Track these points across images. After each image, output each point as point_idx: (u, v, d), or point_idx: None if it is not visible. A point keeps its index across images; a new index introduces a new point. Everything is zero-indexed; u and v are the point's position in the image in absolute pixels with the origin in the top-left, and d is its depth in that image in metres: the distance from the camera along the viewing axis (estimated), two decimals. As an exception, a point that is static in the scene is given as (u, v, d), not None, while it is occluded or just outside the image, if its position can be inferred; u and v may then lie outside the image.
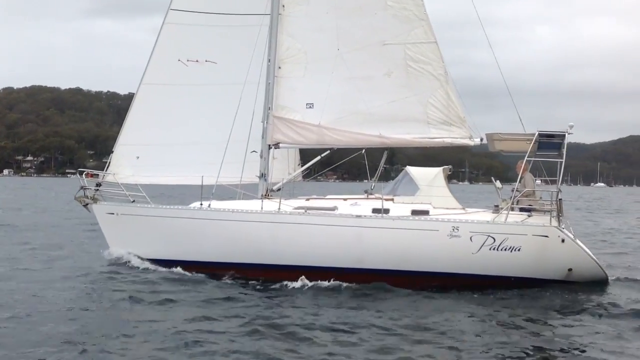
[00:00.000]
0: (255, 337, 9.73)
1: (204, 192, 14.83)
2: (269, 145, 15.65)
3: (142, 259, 14.96)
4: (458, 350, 9.27)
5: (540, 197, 13.68)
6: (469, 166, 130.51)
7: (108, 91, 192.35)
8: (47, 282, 13.57)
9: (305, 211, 13.79)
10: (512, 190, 13.87)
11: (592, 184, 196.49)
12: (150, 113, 16.33)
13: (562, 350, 9.44)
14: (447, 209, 13.55)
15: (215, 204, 14.53)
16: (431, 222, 13.07)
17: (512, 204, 13.46)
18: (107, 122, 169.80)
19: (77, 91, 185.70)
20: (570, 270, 12.96)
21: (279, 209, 13.79)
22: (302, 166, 16.83)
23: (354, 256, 13.26)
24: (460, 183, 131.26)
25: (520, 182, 13.82)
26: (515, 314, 11.38)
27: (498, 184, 14.43)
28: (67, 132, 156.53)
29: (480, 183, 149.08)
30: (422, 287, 12.92)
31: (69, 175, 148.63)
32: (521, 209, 13.71)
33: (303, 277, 13.37)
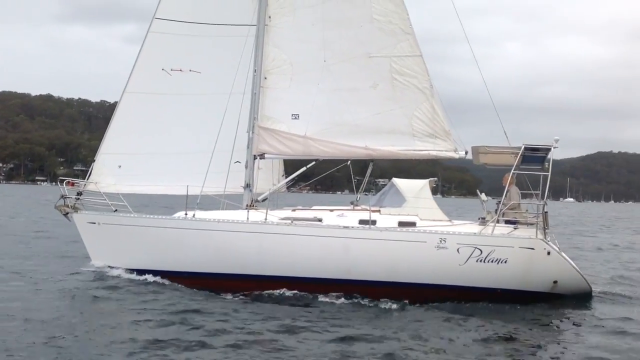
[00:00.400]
0: (236, 351, 9.59)
1: (188, 202, 14.72)
2: (254, 155, 15.59)
3: (125, 269, 14.79)
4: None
5: (527, 210, 13.82)
6: (441, 179, 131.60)
7: (79, 98, 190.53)
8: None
9: (292, 222, 13.76)
10: (497, 203, 13.98)
11: (561, 199, 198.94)
12: (133, 122, 16.20)
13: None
14: (434, 220, 13.63)
15: (200, 213, 14.42)
16: (418, 234, 13.13)
17: (499, 216, 13.56)
18: (78, 129, 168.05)
19: (48, 98, 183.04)
20: (555, 282, 13.10)
21: (266, 219, 13.73)
22: (285, 177, 16.78)
23: (341, 267, 13.25)
24: (433, 196, 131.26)
25: (506, 195, 13.94)
26: (493, 327, 11.48)
27: (483, 196, 14.54)
28: (37, 138, 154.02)
29: (453, 196, 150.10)
30: (408, 299, 12.95)
31: (38, 182, 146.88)
32: (507, 222, 13.83)
33: (285, 289, 13.39)
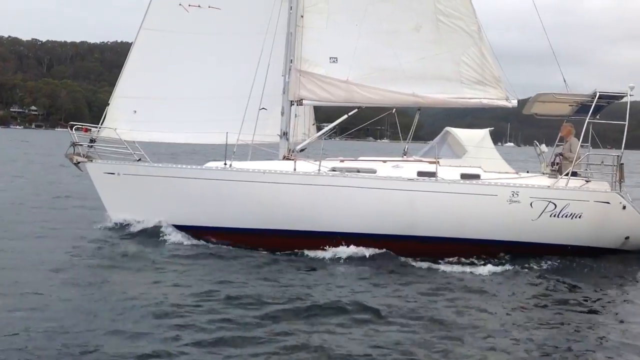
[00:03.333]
0: (272, 321, 8.46)
1: (213, 151, 13.45)
2: (291, 101, 14.34)
3: (149, 224, 13.48)
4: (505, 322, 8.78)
5: (602, 162, 13.11)
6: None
7: (9, 36, 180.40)
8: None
9: (342, 173, 12.69)
10: (557, 155, 13.30)
11: (499, 143, 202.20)
12: (149, 62, 14.68)
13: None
14: (499, 172, 12.78)
15: (238, 164, 13.15)
16: (489, 187, 12.28)
17: (573, 168, 12.74)
18: (10, 69, 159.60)
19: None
20: (627, 238, 12.55)
21: (319, 170, 12.60)
22: (316, 125, 15.60)
23: (403, 223, 12.33)
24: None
25: (564, 146, 13.28)
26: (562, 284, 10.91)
27: (543, 147, 13.76)
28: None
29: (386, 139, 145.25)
30: (475, 256, 12.20)
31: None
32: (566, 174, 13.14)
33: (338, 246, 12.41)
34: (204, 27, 14.61)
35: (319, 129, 15.80)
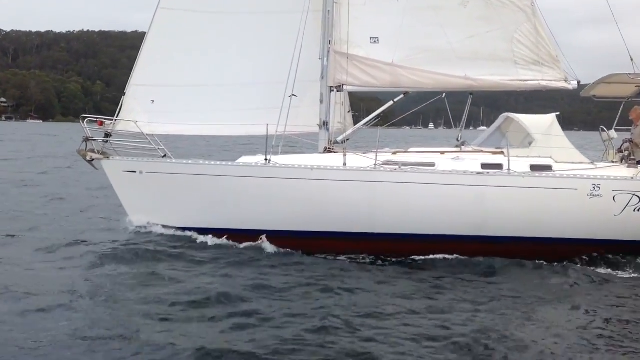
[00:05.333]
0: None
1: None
2: (330, 87, 12.93)
3: (177, 228, 12.03)
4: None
5: None
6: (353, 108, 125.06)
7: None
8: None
9: (399, 167, 11.34)
10: (626, 141, 12.11)
11: (471, 128, 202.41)
12: (169, 46, 13.14)
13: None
14: (573, 163, 11.53)
15: (279, 159, 11.72)
16: (569, 180, 11.02)
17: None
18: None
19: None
20: None
21: (376, 164, 11.24)
22: (351, 113, 14.21)
23: (472, 222, 11.04)
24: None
25: (636, 130, 12.11)
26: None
27: (612, 133, 12.52)
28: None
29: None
30: (550, 256, 10.98)
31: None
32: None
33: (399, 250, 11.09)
34: (229, 5, 13.14)
35: (353, 116, 14.40)
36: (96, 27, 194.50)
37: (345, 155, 11.45)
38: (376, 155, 11.28)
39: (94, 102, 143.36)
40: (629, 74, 12.11)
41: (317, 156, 12.20)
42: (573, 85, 12.96)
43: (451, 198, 10.99)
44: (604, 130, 12.58)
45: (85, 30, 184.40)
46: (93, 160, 12.53)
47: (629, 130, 12.52)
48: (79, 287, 9.21)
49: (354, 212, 11.16)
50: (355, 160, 11.54)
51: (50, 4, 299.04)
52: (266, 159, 11.52)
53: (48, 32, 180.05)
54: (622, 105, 13.06)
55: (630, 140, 12.14)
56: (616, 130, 12.73)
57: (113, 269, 10.24)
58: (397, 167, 11.31)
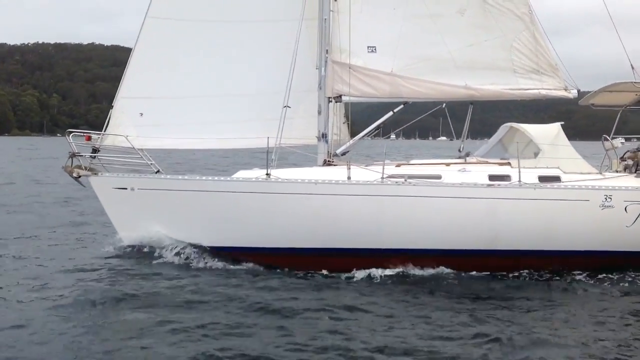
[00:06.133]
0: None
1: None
2: (329, 98, 12.54)
3: (173, 246, 11.48)
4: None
5: None
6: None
7: None
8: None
9: (405, 181, 10.98)
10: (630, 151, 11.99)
11: (430, 138, 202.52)
12: (158, 56, 12.61)
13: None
14: (581, 173, 11.32)
15: (279, 173, 11.26)
16: (581, 191, 10.79)
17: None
18: None
19: None
20: None
21: (383, 177, 10.85)
22: (347, 124, 13.82)
23: (483, 236, 10.72)
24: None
25: None
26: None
27: (616, 142, 12.36)
28: None
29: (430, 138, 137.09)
30: (562, 269, 10.75)
31: None
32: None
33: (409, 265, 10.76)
34: (221, 14, 12.68)
35: (349, 127, 14.02)
36: (51, 39, 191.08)
37: (349, 169, 11.03)
38: (383, 169, 10.89)
39: (50, 116, 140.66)
40: (634, 82, 12.00)
41: (319, 169, 11.79)
42: (573, 93, 12.81)
43: (462, 211, 10.66)
44: (607, 139, 12.44)
45: (40, 42, 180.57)
46: (80, 177, 11.91)
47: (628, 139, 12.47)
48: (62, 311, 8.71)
49: (360, 228, 10.75)
50: (360, 173, 11.14)
51: (3, 16, 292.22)
52: (267, 174, 11.05)
53: (2, 45, 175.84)
54: (619, 114, 13.01)
55: (638, 150, 12.01)
56: (613, 138, 12.62)
57: (100, 289, 9.73)
58: (403, 180, 10.94)
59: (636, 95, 12.56)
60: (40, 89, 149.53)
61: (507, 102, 13.32)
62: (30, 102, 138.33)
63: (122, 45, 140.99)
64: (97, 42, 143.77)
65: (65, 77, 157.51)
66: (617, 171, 11.98)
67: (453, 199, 10.66)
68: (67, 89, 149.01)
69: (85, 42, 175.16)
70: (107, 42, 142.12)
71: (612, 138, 12.69)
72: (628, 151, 12.35)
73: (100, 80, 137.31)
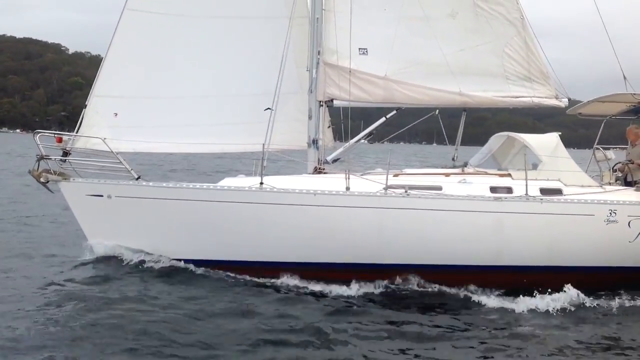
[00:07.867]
0: None
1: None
2: (320, 102, 11.93)
3: (153, 257, 10.69)
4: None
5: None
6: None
7: None
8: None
9: (406, 192, 10.49)
10: (626, 163, 11.85)
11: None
12: (136, 52, 11.73)
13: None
14: (582, 187, 11.07)
15: (271, 181, 10.56)
16: (586, 205, 10.52)
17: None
18: None
19: None
20: None
21: (386, 188, 10.31)
22: (331, 128, 13.22)
23: (488, 251, 10.33)
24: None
25: (633, 150, 11.91)
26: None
27: (609, 153, 12.18)
28: None
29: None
30: (562, 286, 10.43)
31: None
32: (627, 183, 11.81)
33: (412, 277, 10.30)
34: (204, 9, 11.87)
35: (334, 132, 13.43)
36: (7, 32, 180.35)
37: (348, 178, 10.45)
38: (387, 179, 10.36)
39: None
40: (634, 93, 11.85)
41: (313, 178, 11.15)
42: (564, 102, 12.62)
43: (467, 225, 10.25)
44: (599, 150, 12.26)
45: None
46: (48, 182, 10.90)
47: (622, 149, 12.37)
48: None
49: (359, 242, 10.20)
50: (358, 183, 10.57)
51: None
52: (261, 182, 10.35)
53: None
54: (603, 124, 12.90)
55: (631, 162, 11.87)
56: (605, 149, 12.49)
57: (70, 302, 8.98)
58: (405, 191, 10.45)
59: (626, 106, 12.44)
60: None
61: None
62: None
63: (34, 37, 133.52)
64: (9, 35, 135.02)
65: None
66: (609, 183, 11.82)
67: (459, 212, 10.23)
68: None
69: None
70: (19, 35, 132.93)
71: (604, 148, 12.54)
72: (619, 162, 12.21)
73: (12, 74, 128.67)
